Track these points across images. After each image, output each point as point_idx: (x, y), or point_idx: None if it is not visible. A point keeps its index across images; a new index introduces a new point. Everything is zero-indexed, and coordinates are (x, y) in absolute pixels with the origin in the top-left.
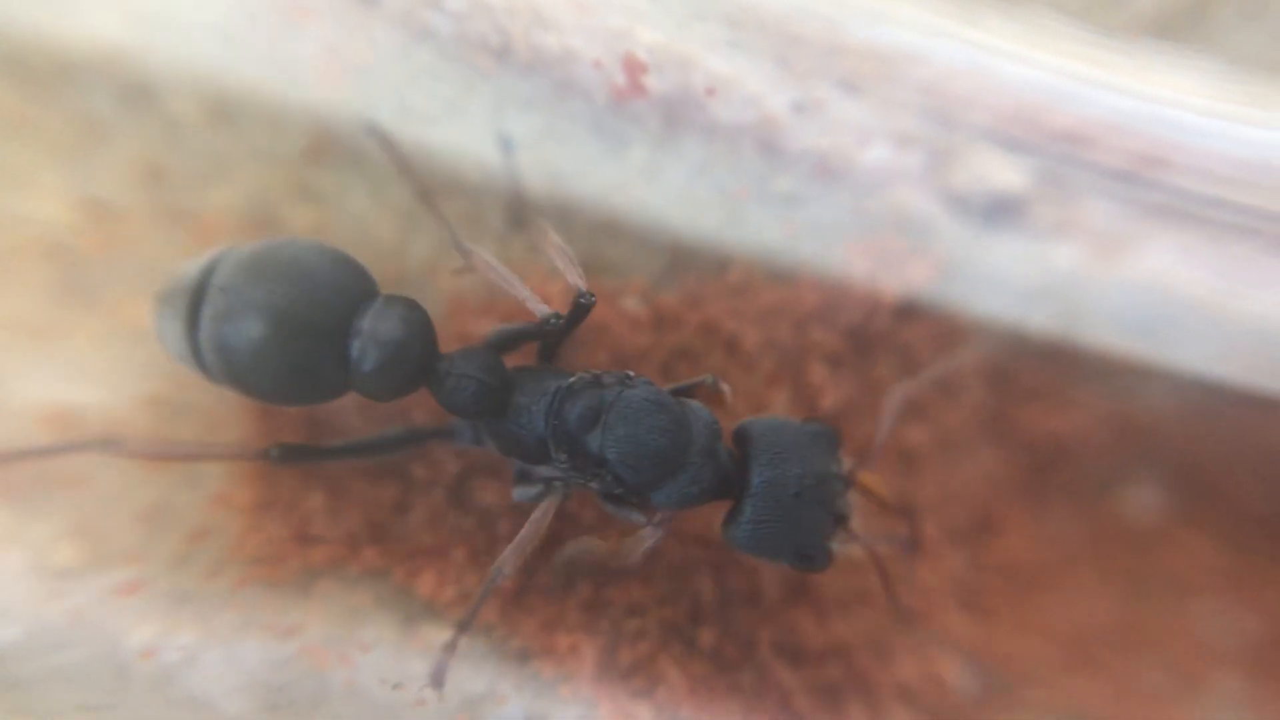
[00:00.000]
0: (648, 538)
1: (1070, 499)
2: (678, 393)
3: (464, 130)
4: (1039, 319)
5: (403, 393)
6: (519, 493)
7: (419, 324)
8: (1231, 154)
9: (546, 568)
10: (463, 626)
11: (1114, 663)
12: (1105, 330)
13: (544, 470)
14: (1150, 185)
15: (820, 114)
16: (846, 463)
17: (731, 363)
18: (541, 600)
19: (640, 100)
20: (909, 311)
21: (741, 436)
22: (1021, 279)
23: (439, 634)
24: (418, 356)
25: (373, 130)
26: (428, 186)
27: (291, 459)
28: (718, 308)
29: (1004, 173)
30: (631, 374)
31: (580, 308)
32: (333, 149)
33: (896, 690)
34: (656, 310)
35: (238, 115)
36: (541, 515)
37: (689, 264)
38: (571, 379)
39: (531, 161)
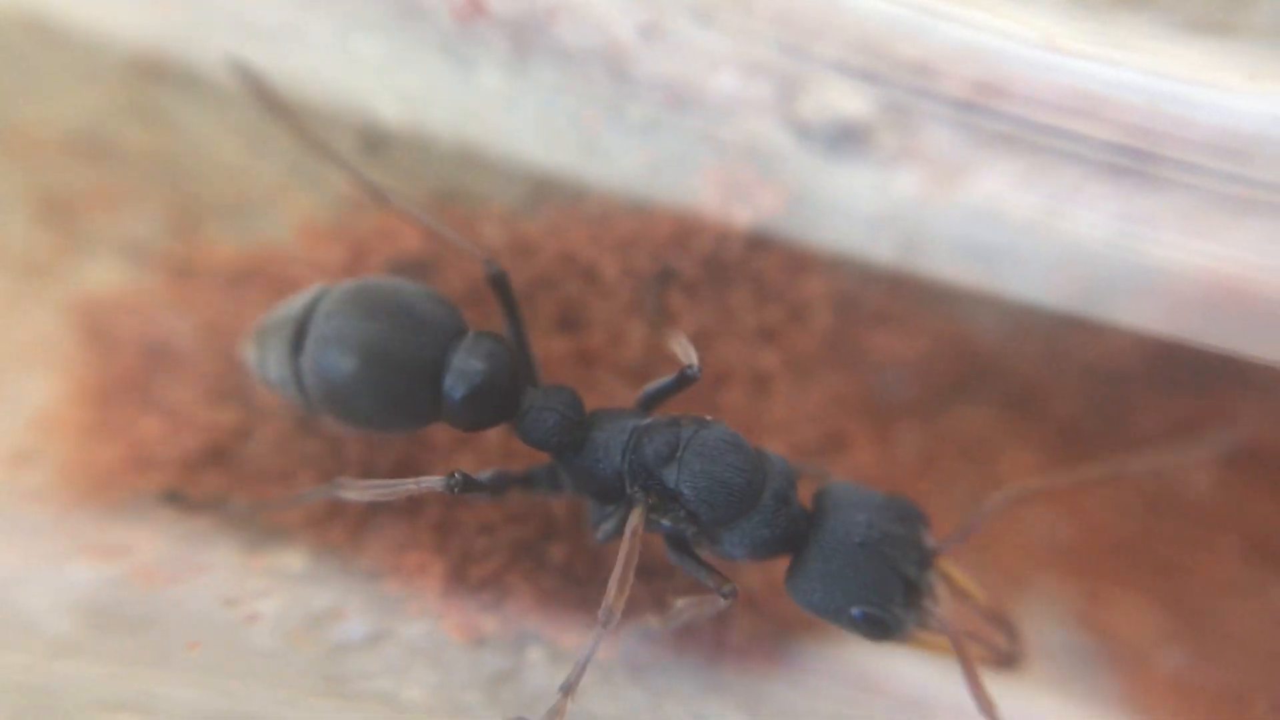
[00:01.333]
0: (715, 605)
1: (913, 416)
2: None
3: (307, 52)
4: (883, 246)
5: (488, 424)
6: (602, 532)
7: (505, 359)
8: (1066, 84)
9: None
10: (567, 688)
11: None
12: (944, 256)
13: (609, 512)
14: (988, 114)
15: (669, 40)
16: (930, 541)
17: (590, 291)
18: (391, 520)
19: (483, 22)
20: (760, 240)
21: (819, 495)
22: (866, 207)
23: (286, 557)
24: (504, 390)
25: (245, 75)
26: (310, 132)
27: (469, 489)
28: (576, 236)
29: (850, 101)
30: (709, 418)
31: (685, 380)
32: (171, 70)
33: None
34: (516, 238)
35: (64, 34)
36: (632, 535)
37: (548, 193)
38: (649, 419)
39: (383, 87)
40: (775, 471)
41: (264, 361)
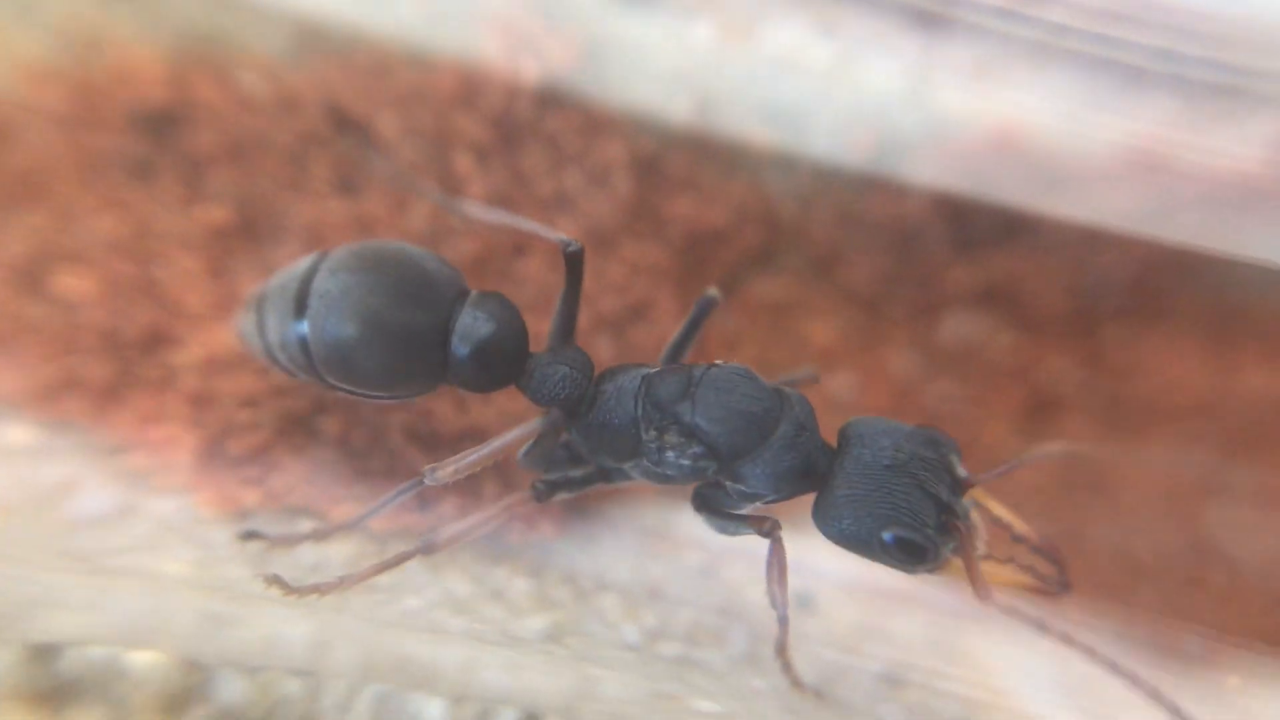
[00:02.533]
0: (774, 558)
1: (719, 284)
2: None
3: None
4: (681, 104)
5: (495, 384)
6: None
7: (512, 318)
8: None
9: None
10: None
11: None
12: (742, 114)
13: (629, 468)
14: None
15: None
16: (962, 470)
17: (368, 151)
18: (139, 394)
19: None
20: (552, 98)
21: (842, 430)
22: (661, 60)
23: (9, 433)
24: (513, 348)
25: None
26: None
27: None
28: (349, 90)
29: None
30: (720, 362)
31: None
32: None
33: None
34: (280, 91)
35: None
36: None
37: (316, 41)
38: (659, 367)
39: None
40: (792, 400)
41: (263, 327)
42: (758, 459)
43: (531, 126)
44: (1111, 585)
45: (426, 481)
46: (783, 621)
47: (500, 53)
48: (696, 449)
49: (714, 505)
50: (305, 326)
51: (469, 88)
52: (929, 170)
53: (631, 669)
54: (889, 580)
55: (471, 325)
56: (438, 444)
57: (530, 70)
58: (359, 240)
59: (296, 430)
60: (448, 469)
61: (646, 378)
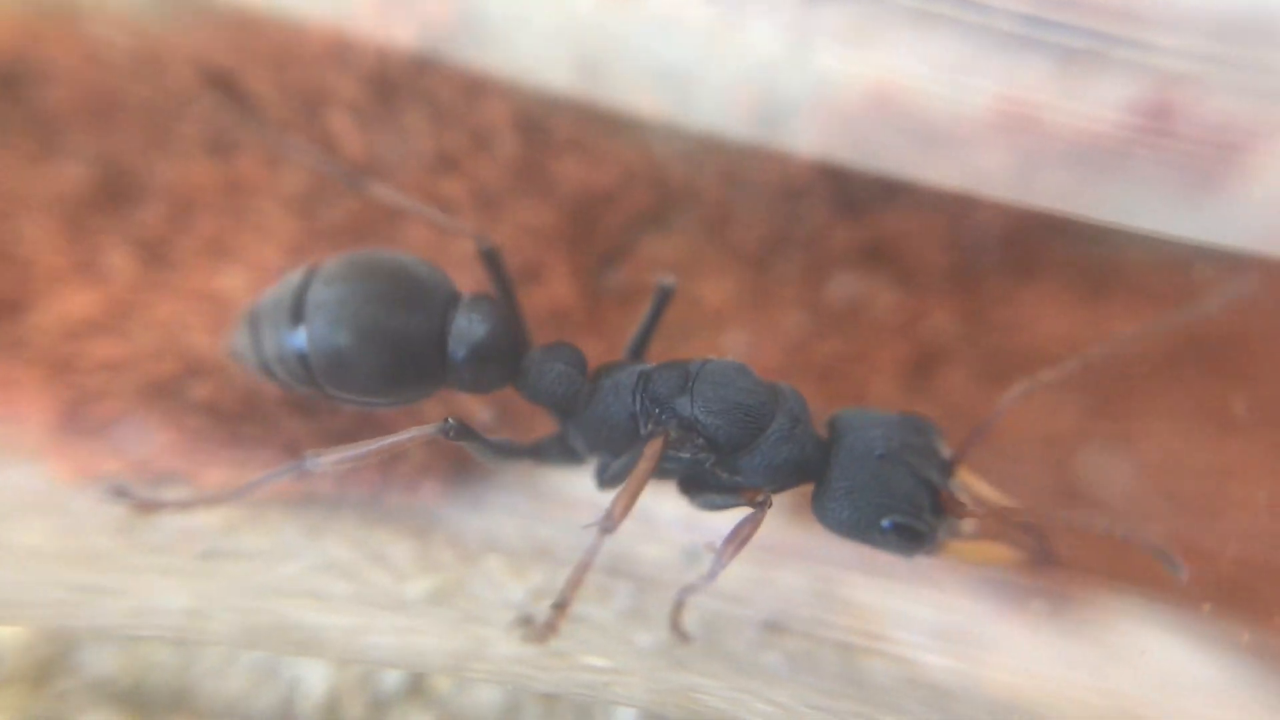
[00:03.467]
0: (761, 513)
1: (609, 247)
2: None
3: None
4: (565, 66)
5: (494, 386)
6: (601, 476)
7: (506, 319)
8: None
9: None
10: (561, 610)
11: None
12: (626, 76)
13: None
14: None
15: None
16: (947, 451)
17: (236, 110)
18: None
19: None
20: (430, 58)
21: (832, 422)
22: (542, 22)
23: None
24: (505, 349)
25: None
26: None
27: (461, 437)
28: (216, 48)
29: None
30: (713, 356)
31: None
32: None
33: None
34: (141, 48)
35: None
36: (648, 463)
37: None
38: (655, 363)
39: None
40: (786, 394)
41: (259, 343)
42: (755, 451)
43: (410, 86)
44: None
45: (306, 467)
46: (707, 580)
47: (374, 11)
48: (696, 442)
49: (703, 490)
50: (302, 338)
51: (341, 45)
52: (811, 132)
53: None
54: (775, 534)
55: (467, 328)
56: (315, 410)
57: (406, 29)
58: (350, 250)
59: (162, 395)
60: (330, 459)
61: (644, 373)
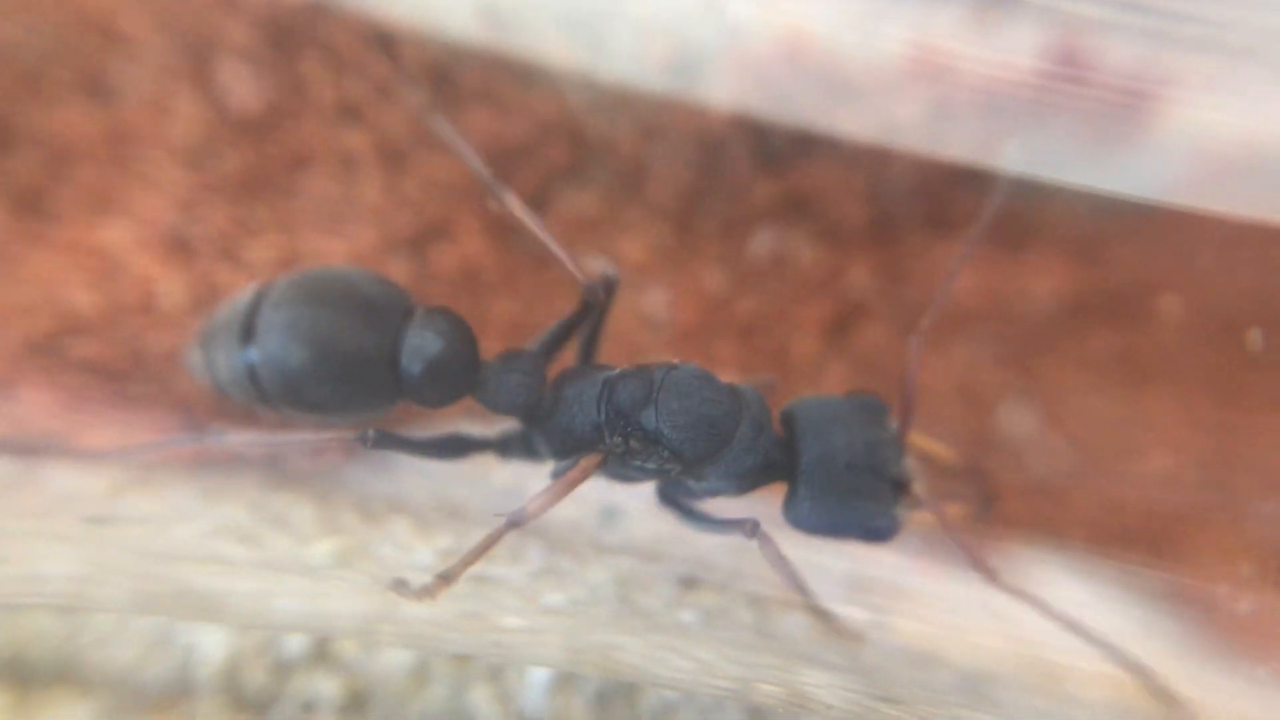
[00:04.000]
0: (767, 549)
1: (524, 199)
2: None
3: None
4: (467, 13)
5: (451, 399)
6: (556, 469)
7: (461, 331)
8: None
9: None
10: (447, 579)
11: None
12: (534, 25)
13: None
14: None
15: None
16: (895, 426)
17: (114, 54)
18: None
19: None
20: (327, 3)
21: (786, 418)
22: None
23: None
24: (464, 361)
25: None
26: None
27: (382, 445)
28: None
29: None
30: (676, 361)
31: (608, 286)
32: None
33: None
34: None
35: None
36: (578, 474)
37: None
38: (618, 370)
39: None
40: (749, 401)
41: (212, 363)
42: (720, 462)
43: (306, 33)
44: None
45: (207, 440)
46: (814, 610)
47: None
48: (661, 454)
49: (684, 504)
50: (254, 359)
51: None
52: (727, 82)
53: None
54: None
55: (420, 344)
56: None
57: None
58: (298, 270)
59: (37, 353)
60: (234, 438)
61: (608, 382)
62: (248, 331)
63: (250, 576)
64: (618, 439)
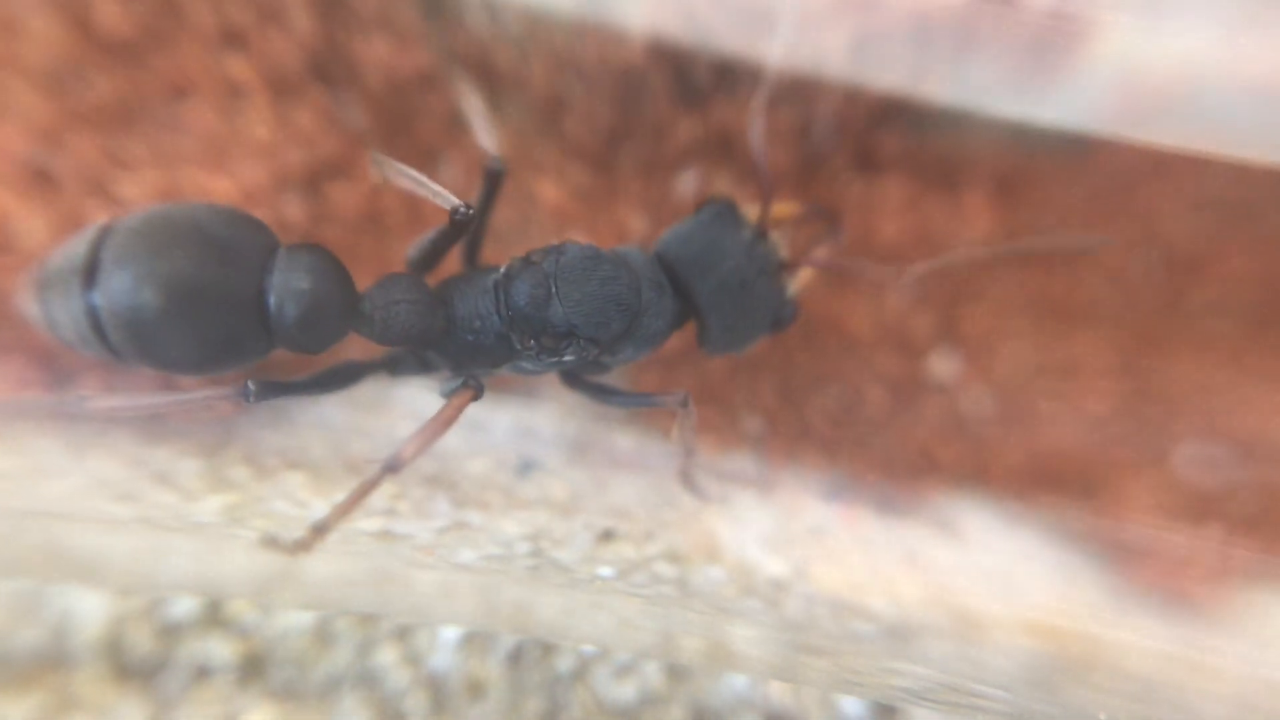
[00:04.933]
0: (687, 418)
1: (429, 140)
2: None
3: None
4: None
5: (332, 341)
6: (444, 388)
7: (331, 268)
8: None
9: None
10: (321, 530)
11: None
12: None
13: (503, 371)
14: None
15: None
16: (752, 212)
17: None
18: None
19: None
20: None
21: (663, 260)
22: None
23: None
24: (338, 300)
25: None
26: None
27: (266, 395)
28: None
29: None
30: (556, 243)
31: (492, 177)
32: None
33: None
34: None
35: None
36: (452, 412)
37: None
38: (502, 269)
39: None
40: (640, 264)
41: (51, 315)
42: (634, 335)
43: None
44: (840, 438)
45: (73, 408)
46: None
47: None
48: (578, 344)
49: (598, 385)
50: (96, 303)
51: None
52: (644, 8)
53: (333, 548)
54: (613, 443)
55: (289, 284)
56: None
57: None
58: (147, 206)
59: None
60: (105, 404)
61: (498, 286)
62: (89, 274)
63: (132, 535)
64: (530, 342)
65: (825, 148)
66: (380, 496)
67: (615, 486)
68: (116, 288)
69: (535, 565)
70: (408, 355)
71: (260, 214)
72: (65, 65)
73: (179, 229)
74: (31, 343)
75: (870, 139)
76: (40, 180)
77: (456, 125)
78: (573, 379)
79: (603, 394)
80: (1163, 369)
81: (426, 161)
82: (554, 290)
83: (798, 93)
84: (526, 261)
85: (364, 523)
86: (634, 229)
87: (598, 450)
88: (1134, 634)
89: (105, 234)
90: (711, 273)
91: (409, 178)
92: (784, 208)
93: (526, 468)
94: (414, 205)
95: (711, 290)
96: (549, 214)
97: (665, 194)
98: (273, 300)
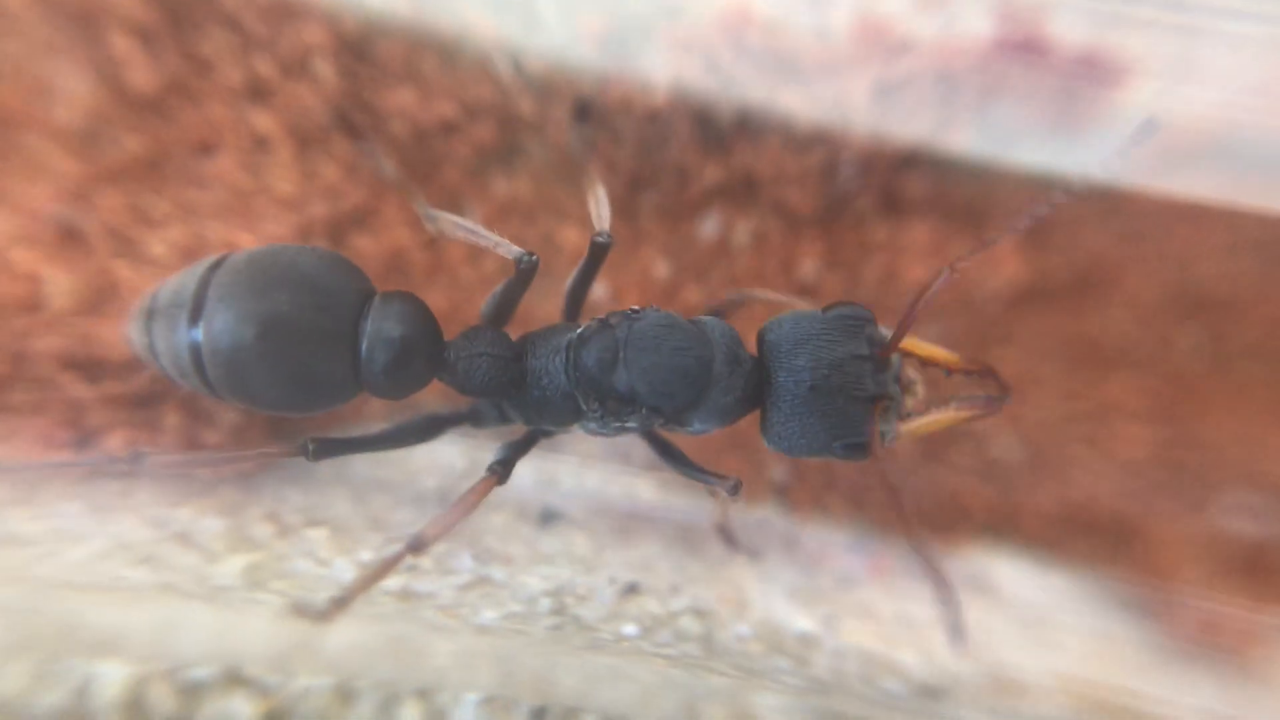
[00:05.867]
0: (728, 506)
1: (453, 188)
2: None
3: None
4: None
5: (416, 387)
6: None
7: (421, 316)
8: None
9: None
10: (342, 603)
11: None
12: (455, 9)
13: (572, 430)
14: None
15: None
16: (880, 335)
17: None
18: None
19: None
20: None
21: (760, 338)
22: None
23: None
24: (425, 349)
25: None
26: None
27: (326, 453)
28: None
29: None
30: (637, 308)
31: (597, 249)
32: None
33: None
34: None
35: None
36: (476, 496)
37: None
38: (579, 328)
39: None
40: (718, 336)
41: (153, 345)
42: (700, 408)
43: (206, 5)
44: (867, 487)
45: (130, 467)
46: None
47: None
48: (640, 411)
49: (668, 445)
50: (199, 339)
51: None
52: (666, 58)
53: (355, 610)
54: (636, 493)
55: (382, 330)
56: (102, 374)
57: None
58: (251, 250)
59: None
60: (163, 460)
61: (570, 346)
62: (195, 310)
63: (151, 604)
64: (594, 404)
65: (850, 190)
66: None
67: (639, 537)
68: (218, 326)
69: (558, 624)
70: (489, 406)
71: None
72: (95, 124)
73: (281, 271)
74: (60, 403)
75: (896, 182)
76: (69, 240)
77: (480, 172)
78: (648, 434)
79: (665, 452)
80: (1198, 415)
81: (450, 208)
82: (622, 356)
83: (821, 136)
84: (603, 324)
85: (386, 581)
86: (658, 274)
87: (620, 500)
88: (1175, 691)
89: (213, 271)
90: (790, 366)
91: (465, 229)
92: (930, 350)
93: (549, 518)
94: (437, 255)
95: (780, 384)
96: (572, 259)
97: (688, 239)
98: (364, 345)
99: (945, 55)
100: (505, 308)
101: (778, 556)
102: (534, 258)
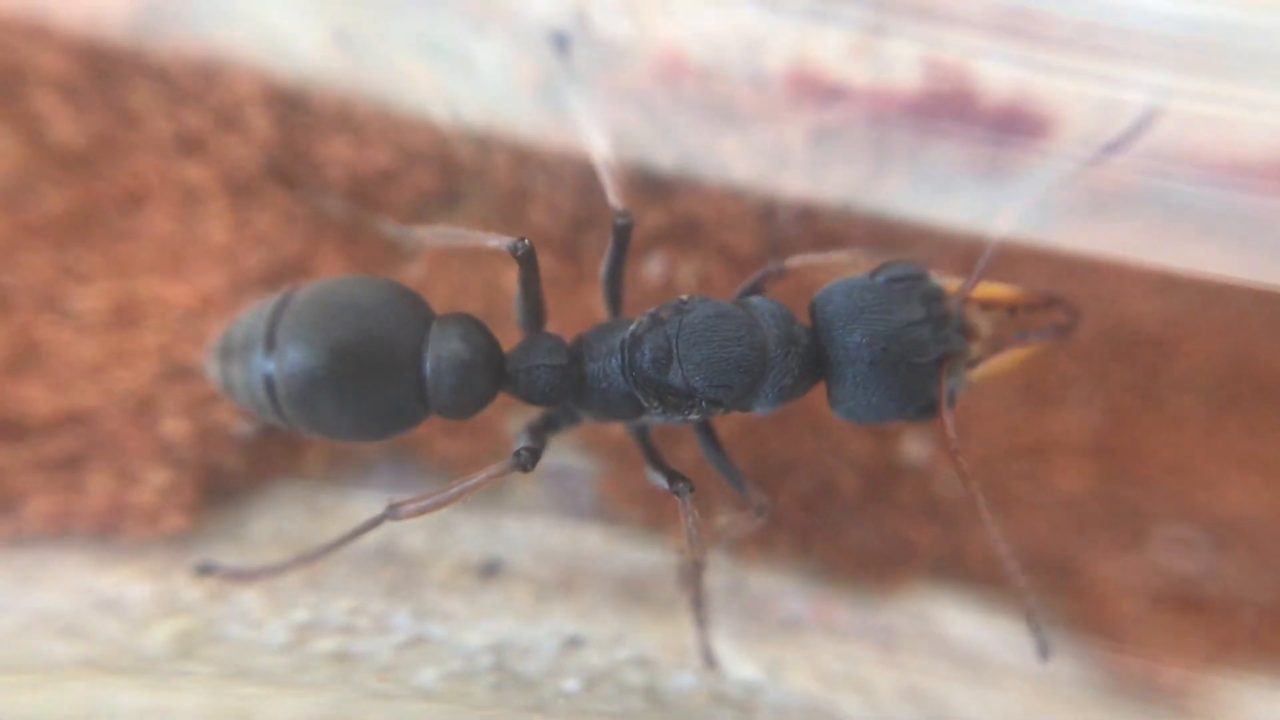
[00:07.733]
0: (752, 523)
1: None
2: (745, 293)
3: None
4: (315, 35)
5: (482, 405)
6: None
7: (480, 335)
8: None
9: None
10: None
11: None
12: (391, 47)
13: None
14: None
15: None
16: (951, 285)
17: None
18: None
19: None
20: (153, 30)
21: (813, 311)
22: None
23: None
24: (488, 366)
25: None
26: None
27: (535, 460)
28: None
29: None
30: (686, 298)
31: (621, 231)
32: None
33: (159, 449)
34: None
35: None
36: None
37: None
38: (631, 326)
39: None
40: (769, 318)
41: (229, 376)
42: (760, 394)
43: (132, 60)
44: (812, 524)
45: (389, 517)
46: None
47: None
48: (701, 404)
49: (717, 442)
50: (271, 370)
51: (38, 15)
52: (604, 107)
53: (289, 678)
54: (580, 540)
55: (443, 353)
56: (24, 435)
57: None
58: (317, 282)
59: None
60: (413, 506)
61: (625, 346)
62: (268, 344)
63: (72, 681)
64: (654, 402)
65: (790, 233)
66: (337, 612)
67: (581, 587)
68: (290, 358)
69: (498, 683)
70: (560, 411)
71: (218, 319)
72: (19, 179)
73: (347, 303)
74: None
75: (834, 225)
76: None
77: (421, 217)
78: (699, 424)
79: (711, 446)
80: (1134, 448)
81: (390, 255)
82: (676, 352)
83: (761, 181)
84: (654, 319)
85: (321, 643)
86: (601, 314)
87: (563, 549)
88: None
89: (283, 304)
90: (846, 341)
91: (445, 235)
92: (995, 290)
93: (490, 570)
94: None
95: (839, 360)
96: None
97: (632, 278)
98: (429, 370)
99: (877, 103)
100: (533, 305)
101: (722, 599)
102: (526, 242)
